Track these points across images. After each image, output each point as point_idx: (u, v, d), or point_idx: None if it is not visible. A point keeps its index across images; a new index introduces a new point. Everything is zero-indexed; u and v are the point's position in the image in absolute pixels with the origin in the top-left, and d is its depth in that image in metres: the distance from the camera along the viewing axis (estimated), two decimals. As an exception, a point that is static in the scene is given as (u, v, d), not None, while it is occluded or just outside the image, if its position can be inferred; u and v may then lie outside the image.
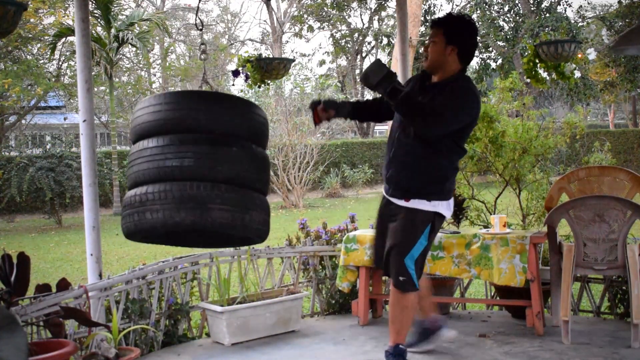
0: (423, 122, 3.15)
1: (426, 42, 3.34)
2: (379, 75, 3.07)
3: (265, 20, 42.10)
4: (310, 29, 27.68)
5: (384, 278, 4.76)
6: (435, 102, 3.15)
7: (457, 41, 3.22)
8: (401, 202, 3.33)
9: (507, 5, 23.41)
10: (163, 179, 2.82)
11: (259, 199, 3.01)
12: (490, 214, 5.05)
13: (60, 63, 20.55)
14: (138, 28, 18.34)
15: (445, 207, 3.34)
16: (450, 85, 3.22)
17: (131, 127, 3.06)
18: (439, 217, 3.35)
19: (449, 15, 3.37)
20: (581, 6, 29.11)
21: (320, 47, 54.84)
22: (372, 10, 27.28)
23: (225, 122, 2.89)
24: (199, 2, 3.92)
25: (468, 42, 3.28)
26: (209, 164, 2.83)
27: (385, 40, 26.33)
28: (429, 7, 23.95)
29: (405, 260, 3.27)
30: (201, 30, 3.25)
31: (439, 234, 4.26)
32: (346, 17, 28.32)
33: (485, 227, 4.78)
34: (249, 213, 2.91)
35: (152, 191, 2.82)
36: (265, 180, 3.07)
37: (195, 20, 3.18)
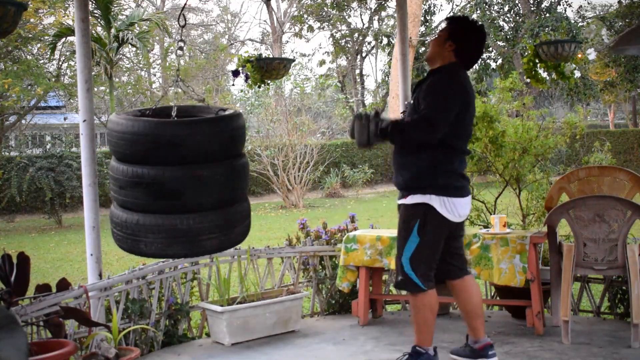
0: (422, 135, 3.14)
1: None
2: (364, 133, 3.13)
3: (265, 20, 42.09)
4: (310, 29, 27.66)
5: (383, 278, 4.76)
6: (421, 109, 3.18)
7: (457, 39, 3.25)
8: (401, 201, 3.34)
9: (507, 5, 23.41)
10: (154, 212, 2.84)
11: (241, 209, 3.00)
12: (490, 214, 5.05)
13: (60, 63, 20.54)
14: (138, 28, 18.33)
15: (438, 203, 3.19)
16: (431, 79, 3.26)
17: (111, 141, 3.02)
18: (432, 212, 3.20)
19: (460, 16, 3.44)
20: (581, 6, 29.13)
21: (320, 47, 54.80)
22: (372, 10, 27.27)
23: (198, 146, 2.85)
24: (186, 3, 3.92)
25: (468, 44, 3.29)
26: (195, 195, 2.83)
27: (385, 40, 26.32)
28: (429, 7, 23.94)
29: (401, 260, 3.27)
30: (183, 27, 3.23)
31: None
32: (346, 17, 28.30)
33: (485, 227, 4.79)
34: (234, 231, 2.95)
35: (144, 223, 2.84)
36: (245, 185, 3.06)
37: (179, 18, 3.16)
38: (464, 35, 3.26)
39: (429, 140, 3.15)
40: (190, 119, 2.96)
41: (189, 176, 2.79)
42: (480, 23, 3.44)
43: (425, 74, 3.44)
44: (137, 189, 2.82)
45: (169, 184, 2.78)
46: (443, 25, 3.36)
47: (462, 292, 3.44)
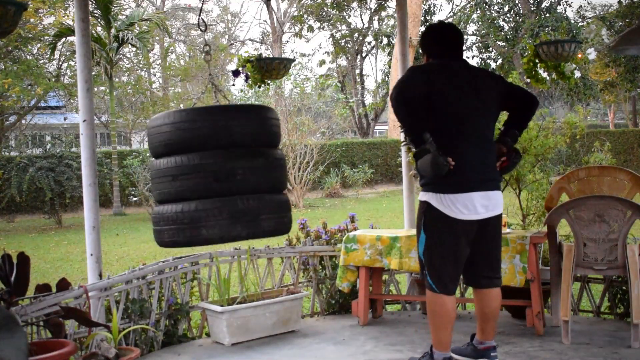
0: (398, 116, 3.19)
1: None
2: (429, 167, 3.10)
3: (265, 20, 42.12)
4: (310, 29, 27.67)
5: (383, 278, 4.76)
6: None
7: (425, 50, 3.45)
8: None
9: (507, 5, 23.41)
10: (211, 196, 2.91)
11: (287, 198, 3.22)
12: (490, 214, 5.04)
13: (60, 63, 20.55)
14: (138, 28, 18.34)
15: (435, 200, 3.15)
16: None
17: (155, 140, 3.04)
18: (430, 209, 3.18)
19: (425, 29, 3.55)
20: (581, 6, 29.14)
21: (320, 47, 54.82)
22: (372, 10, 27.27)
23: (254, 133, 3.00)
24: (202, 3, 3.93)
25: (430, 44, 3.40)
26: (255, 178, 2.95)
27: (385, 40, 26.32)
28: (429, 7, 23.94)
29: (419, 255, 3.31)
30: (204, 31, 3.26)
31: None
32: (346, 17, 28.31)
33: (485, 227, 4.78)
34: (287, 215, 3.19)
35: (204, 208, 2.89)
36: (286, 179, 3.27)
37: (198, 20, 3.18)
38: (424, 44, 3.44)
39: (401, 124, 3.23)
40: (242, 104, 3.12)
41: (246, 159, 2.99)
42: (436, 22, 3.56)
43: None
44: (196, 175, 2.89)
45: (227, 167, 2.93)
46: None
47: (484, 297, 3.39)
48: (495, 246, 3.39)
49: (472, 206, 3.16)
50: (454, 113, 3.16)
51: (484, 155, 3.23)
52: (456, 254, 3.21)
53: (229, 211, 2.92)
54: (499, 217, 3.35)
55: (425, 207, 3.22)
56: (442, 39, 3.35)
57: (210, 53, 3.29)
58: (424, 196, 3.23)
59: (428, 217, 3.21)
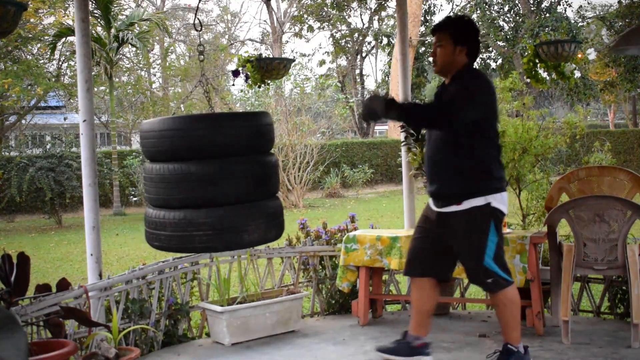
0: (440, 118, 3.12)
1: (433, 47, 3.34)
2: (381, 104, 3.03)
3: (265, 20, 42.11)
4: (310, 29, 27.67)
5: (383, 278, 4.76)
6: (446, 97, 3.21)
7: (464, 41, 3.24)
8: (451, 209, 3.25)
9: (507, 5, 23.41)
10: (254, 199, 2.95)
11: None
12: (490, 214, 5.04)
13: (60, 63, 20.54)
14: (138, 28, 18.33)
15: (496, 200, 3.20)
16: (458, 78, 3.24)
17: (159, 146, 2.99)
18: (497, 211, 3.21)
19: (451, 18, 3.39)
20: (581, 6, 29.16)
21: (320, 47, 54.85)
22: (372, 10, 27.27)
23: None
24: (199, 3, 3.93)
25: (475, 41, 3.30)
26: (266, 182, 3.04)
27: (385, 40, 26.33)
28: (429, 7, 23.95)
29: (484, 264, 3.20)
30: (199, 31, 3.25)
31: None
32: (346, 17, 28.32)
33: (485, 227, 4.77)
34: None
35: (245, 213, 2.92)
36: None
37: (194, 20, 3.18)
38: (468, 36, 3.27)
39: (441, 127, 3.18)
40: (261, 111, 3.17)
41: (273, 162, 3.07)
42: (466, 16, 3.48)
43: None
44: (240, 179, 2.91)
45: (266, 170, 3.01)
46: (439, 34, 3.28)
47: (429, 292, 3.44)
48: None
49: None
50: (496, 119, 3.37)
51: None
52: None
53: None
54: None
55: (491, 210, 3.19)
56: (479, 40, 3.39)
57: (204, 53, 3.29)
58: (483, 201, 3.18)
59: (498, 219, 3.23)
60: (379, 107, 3.02)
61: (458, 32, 3.23)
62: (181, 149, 2.88)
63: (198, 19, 3.24)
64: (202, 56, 3.30)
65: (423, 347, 3.41)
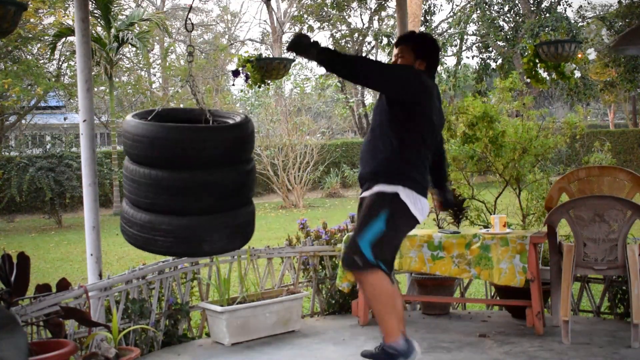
0: (360, 68, 3.15)
1: (394, 57, 3.42)
2: (309, 40, 3.07)
3: (265, 20, 42.09)
4: (310, 29, 27.62)
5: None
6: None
7: (425, 56, 3.37)
8: (366, 193, 3.28)
9: (507, 5, 23.39)
10: (218, 211, 2.94)
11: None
12: (490, 214, 5.05)
13: (60, 63, 20.53)
14: (138, 28, 18.33)
15: (405, 195, 3.13)
16: None
17: (135, 149, 2.98)
18: (400, 203, 3.14)
19: (415, 33, 3.52)
20: (581, 6, 29.15)
21: (321, 47, 54.60)
22: (372, 10, 27.26)
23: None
24: (192, 3, 3.93)
25: (435, 57, 3.43)
26: (236, 193, 3.00)
27: (385, 40, 26.31)
28: (429, 7, 23.92)
29: (358, 241, 3.11)
30: (190, 31, 3.25)
31: (438, 234, 4.27)
32: (346, 17, 28.30)
33: (485, 227, 4.79)
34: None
35: (206, 224, 2.90)
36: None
37: (186, 20, 3.17)
38: (429, 51, 3.40)
39: (348, 78, 3.24)
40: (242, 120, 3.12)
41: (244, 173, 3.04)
42: (429, 34, 3.58)
43: None
44: (206, 191, 2.90)
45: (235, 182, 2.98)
46: (401, 47, 3.39)
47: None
48: None
49: (427, 211, 3.30)
50: (433, 124, 3.32)
51: None
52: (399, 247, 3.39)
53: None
54: None
55: (392, 199, 3.14)
56: (438, 58, 3.50)
57: (193, 54, 3.28)
58: (390, 188, 3.15)
59: (396, 211, 3.15)
60: (306, 41, 3.06)
61: (420, 47, 3.38)
62: (154, 156, 2.89)
63: (189, 19, 3.23)
64: (191, 57, 3.29)
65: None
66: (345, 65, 3.16)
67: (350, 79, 3.28)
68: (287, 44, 3.11)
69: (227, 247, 3.03)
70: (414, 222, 3.23)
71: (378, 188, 3.18)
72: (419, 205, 3.19)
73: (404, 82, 3.19)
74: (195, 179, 2.88)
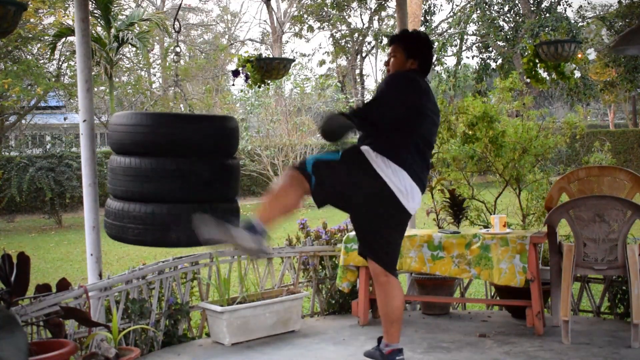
0: (370, 114, 3.17)
1: (387, 56, 3.43)
2: (338, 124, 3.09)
3: (265, 20, 42.06)
4: (310, 29, 27.67)
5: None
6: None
7: (416, 55, 3.36)
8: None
9: (507, 5, 23.39)
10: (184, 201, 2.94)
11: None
12: (490, 214, 5.05)
13: (60, 63, 20.52)
14: (138, 28, 18.32)
15: (378, 160, 3.12)
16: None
17: (120, 139, 3.03)
18: (363, 159, 3.14)
19: (407, 32, 3.53)
20: (581, 6, 29.15)
21: (320, 47, 54.75)
22: (372, 10, 27.28)
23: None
24: (180, 4, 3.95)
25: (427, 56, 3.42)
26: (208, 185, 2.97)
27: (385, 40, 26.30)
28: (429, 7, 23.92)
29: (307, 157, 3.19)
30: (178, 32, 3.28)
31: (438, 234, 4.27)
32: (346, 17, 28.31)
33: (485, 227, 4.79)
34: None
35: (177, 212, 2.91)
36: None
37: (174, 22, 3.20)
38: (421, 51, 3.38)
39: (374, 122, 3.20)
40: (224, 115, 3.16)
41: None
42: (423, 32, 3.56)
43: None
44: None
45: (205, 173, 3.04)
46: (394, 46, 3.39)
47: (383, 292, 3.34)
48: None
49: (418, 200, 3.25)
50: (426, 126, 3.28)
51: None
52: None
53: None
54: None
55: (381, 186, 3.14)
56: (432, 56, 3.48)
57: (180, 54, 3.31)
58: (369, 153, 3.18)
59: (353, 160, 3.21)
60: (337, 123, 3.09)
61: (411, 46, 3.37)
62: (126, 144, 2.99)
63: (177, 19, 3.26)
64: (177, 57, 3.33)
65: (393, 354, 3.33)
66: (363, 120, 3.16)
67: (373, 128, 3.23)
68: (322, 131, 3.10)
69: (195, 238, 3.01)
70: (379, 183, 3.10)
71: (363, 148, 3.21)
72: (394, 172, 3.10)
73: (406, 99, 3.17)
74: (164, 165, 2.90)
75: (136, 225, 2.97)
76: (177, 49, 3.29)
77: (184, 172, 2.93)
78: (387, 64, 3.43)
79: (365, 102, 3.33)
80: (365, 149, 3.19)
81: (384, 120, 3.17)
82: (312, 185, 3.09)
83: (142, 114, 3.02)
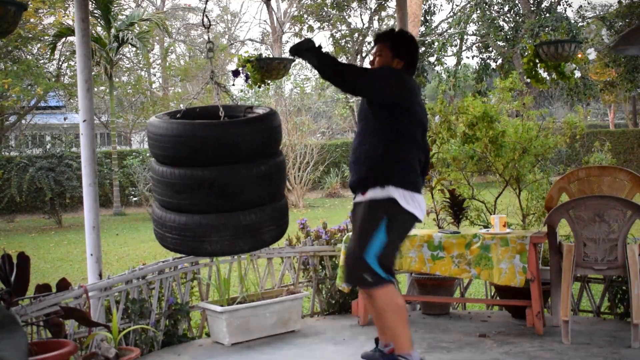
0: (346, 76, 3.16)
1: (373, 55, 3.41)
2: (309, 43, 3.15)
3: (265, 20, 42.06)
4: (310, 29, 27.64)
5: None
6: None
7: (403, 55, 3.34)
8: (358, 199, 3.28)
9: (507, 5, 23.39)
10: (214, 211, 2.92)
11: (285, 202, 3.20)
12: (490, 214, 5.05)
13: (60, 63, 20.53)
14: (138, 28, 18.33)
15: (399, 195, 3.10)
16: None
17: (163, 147, 3.00)
18: (397, 207, 3.11)
19: (394, 31, 3.50)
20: (581, 6, 29.11)
21: (320, 48, 54.62)
22: (372, 10, 27.26)
23: (253, 143, 2.99)
24: (206, 2, 3.95)
25: (413, 56, 3.40)
26: (256, 191, 2.95)
27: (385, 41, 26.25)
28: (429, 7, 23.92)
29: (364, 257, 3.07)
30: (208, 28, 3.28)
31: (438, 234, 4.27)
32: (346, 17, 28.29)
33: (485, 227, 4.78)
34: (285, 220, 3.18)
35: (208, 223, 2.90)
36: (284, 184, 3.25)
37: (202, 19, 3.19)
38: (407, 50, 3.37)
39: (347, 89, 3.25)
40: (242, 119, 3.10)
41: (248, 173, 2.93)
42: (408, 32, 3.54)
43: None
44: (199, 191, 2.90)
45: (231, 183, 2.91)
46: (380, 45, 3.37)
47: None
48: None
49: (424, 207, 3.28)
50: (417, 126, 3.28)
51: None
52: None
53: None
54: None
55: (389, 205, 3.11)
56: (417, 55, 3.47)
57: (213, 50, 3.30)
58: (381, 193, 3.13)
59: (394, 216, 3.12)
60: (307, 45, 3.13)
61: (398, 45, 3.35)
62: (158, 154, 3.00)
63: (207, 15, 3.26)
64: (211, 53, 3.33)
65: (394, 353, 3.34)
66: (337, 72, 3.15)
67: (341, 86, 3.24)
68: (289, 47, 3.14)
69: (231, 248, 3.01)
70: (413, 219, 3.18)
71: (370, 195, 3.15)
72: (415, 202, 3.14)
73: (385, 83, 3.17)
74: (195, 176, 2.89)
75: (173, 235, 3.01)
76: (210, 45, 3.29)
77: (212, 181, 2.93)
78: (372, 63, 3.39)
79: (354, 64, 3.33)
80: (388, 192, 3.11)
81: (374, 94, 3.17)
82: (393, 281, 3.15)
83: (171, 123, 3.00)
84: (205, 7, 3.59)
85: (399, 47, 3.34)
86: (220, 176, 2.90)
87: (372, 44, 3.44)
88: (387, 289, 3.07)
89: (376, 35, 3.48)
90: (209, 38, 3.35)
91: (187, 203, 2.92)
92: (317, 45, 3.12)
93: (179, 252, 3.12)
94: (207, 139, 2.89)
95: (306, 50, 3.11)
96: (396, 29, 3.53)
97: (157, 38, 25.71)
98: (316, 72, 3.20)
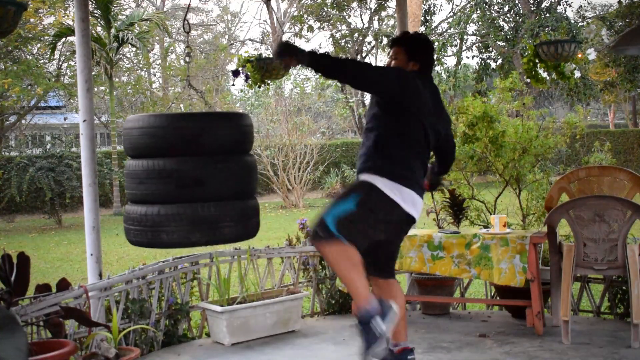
0: (349, 69, 3.18)
1: (389, 59, 3.43)
2: (296, 48, 3.10)
3: (265, 20, 42.07)
4: (310, 29, 27.62)
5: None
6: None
7: (418, 58, 3.35)
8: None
9: (507, 5, 23.38)
10: (174, 201, 2.94)
11: (254, 204, 3.22)
12: (490, 214, 5.05)
13: (60, 63, 20.52)
14: (138, 28, 18.34)
15: (382, 184, 3.06)
16: None
17: (128, 140, 3.08)
18: (376, 190, 3.07)
19: (409, 34, 3.51)
20: (581, 6, 29.10)
21: (320, 47, 54.69)
22: (372, 10, 27.25)
23: (222, 139, 3.01)
24: (188, 8, 3.96)
25: (429, 58, 3.41)
26: (216, 184, 2.96)
27: (385, 40, 26.29)
28: (429, 7, 23.93)
29: (324, 217, 3.00)
30: (188, 32, 3.30)
31: (438, 234, 4.27)
32: (346, 17, 28.28)
33: (485, 227, 4.78)
34: (252, 221, 3.19)
35: (165, 213, 2.92)
36: (255, 184, 3.20)
37: (183, 23, 3.21)
38: (423, 53, 3.37)
39: (350, 82, 3.21)
40: (206, 112, 3.16)
41: (210, 166, 2.99)
42: (423, 34, 3.55)
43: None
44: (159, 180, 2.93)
45: (191, 174, 2.92)
46: (395, 48, 3.39)
47: (385, 293, 3.30)
48: (398, 249, 3.46)
49: (417, 204, 3.17)
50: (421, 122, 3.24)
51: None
52: (374, 233, 3.15)
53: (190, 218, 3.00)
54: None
55: (370, 186, 3.08)
56: (433, 57, 3.48)
57: (191, 55, 3.33)
58: (368, 176, 3.12)
59: (372, 197, 3.08)
60: (294, 48, 3.08)
61: (412, 48, 3.36)
62: (127, 148, 3.10)
63: (187, 20, 3.27)
64: (189, 58, 3.36)
65: (404, 353, 3.33)
66: (334, 65, 3.16)
67: (339, 78, 3.28)
68: (274, 51, 3.10)
69: (185, 239, 3.02)
70: (394, 207, 3.07)
71: (361, 178, 3.17)
72: (402, 194, 3.07)
73: (388, 82, 3.16)
74: (156, 166, 2.94)
75: (135, 227, 3.07)
76: (188, 49, 3.31)
77: (169, 173, 2.98)
78: (388, 65, 3.43)
79: (352, 58, 3.33)
80: (371, 178, 3.10)
81: (356, 81, 3.16)
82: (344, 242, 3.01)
83: (159, 115, 3.08)
84: (186, 14, 3.61)
85: (414, 50, 3.36)
86: (180, 166, 2.94)
87: (388, 48, 3.44)
88: (337, 244, 2.95)
89: (392, 39, 3.51)
90: (187, 43, 3.38)
91: (149, 193, 2.98)
92: (306, 50, 3.08)
93: (139, 244, 3.16)
94: (167, 129, 2.94)
95: (295, 48, 3.09)
96: (413, 33, 3.54)
97: (157, 38, 25.71)
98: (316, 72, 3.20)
